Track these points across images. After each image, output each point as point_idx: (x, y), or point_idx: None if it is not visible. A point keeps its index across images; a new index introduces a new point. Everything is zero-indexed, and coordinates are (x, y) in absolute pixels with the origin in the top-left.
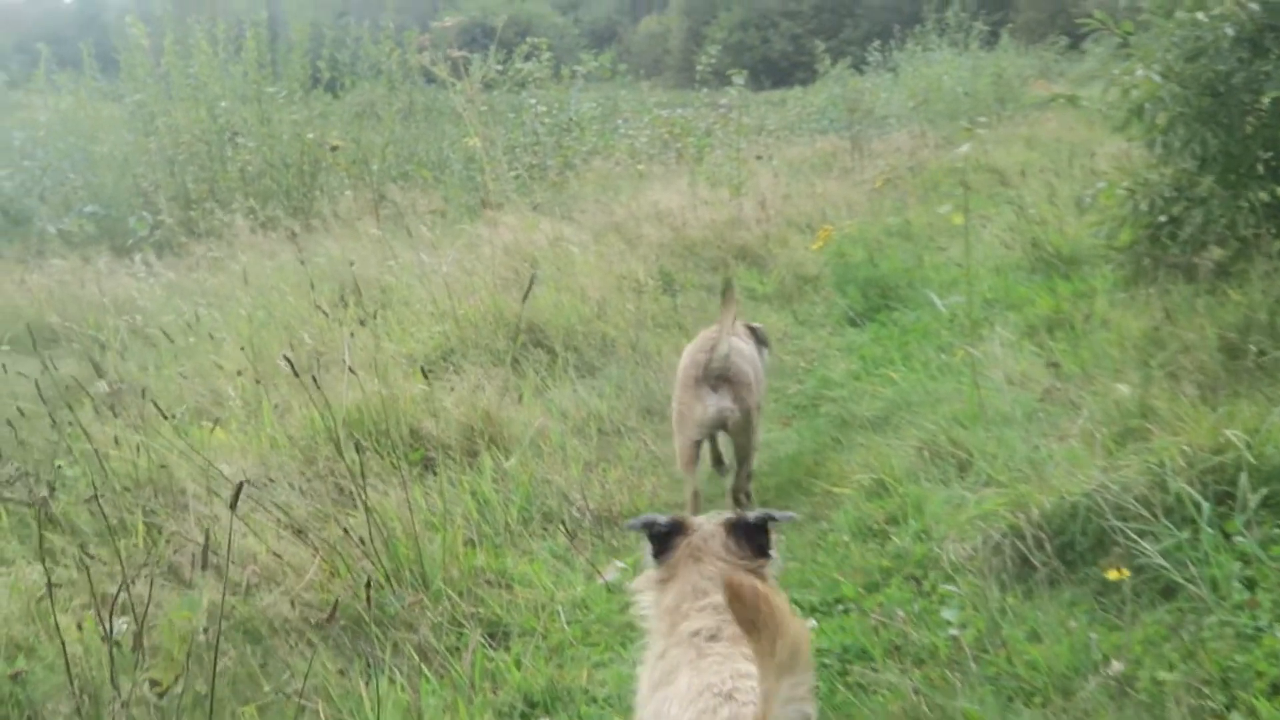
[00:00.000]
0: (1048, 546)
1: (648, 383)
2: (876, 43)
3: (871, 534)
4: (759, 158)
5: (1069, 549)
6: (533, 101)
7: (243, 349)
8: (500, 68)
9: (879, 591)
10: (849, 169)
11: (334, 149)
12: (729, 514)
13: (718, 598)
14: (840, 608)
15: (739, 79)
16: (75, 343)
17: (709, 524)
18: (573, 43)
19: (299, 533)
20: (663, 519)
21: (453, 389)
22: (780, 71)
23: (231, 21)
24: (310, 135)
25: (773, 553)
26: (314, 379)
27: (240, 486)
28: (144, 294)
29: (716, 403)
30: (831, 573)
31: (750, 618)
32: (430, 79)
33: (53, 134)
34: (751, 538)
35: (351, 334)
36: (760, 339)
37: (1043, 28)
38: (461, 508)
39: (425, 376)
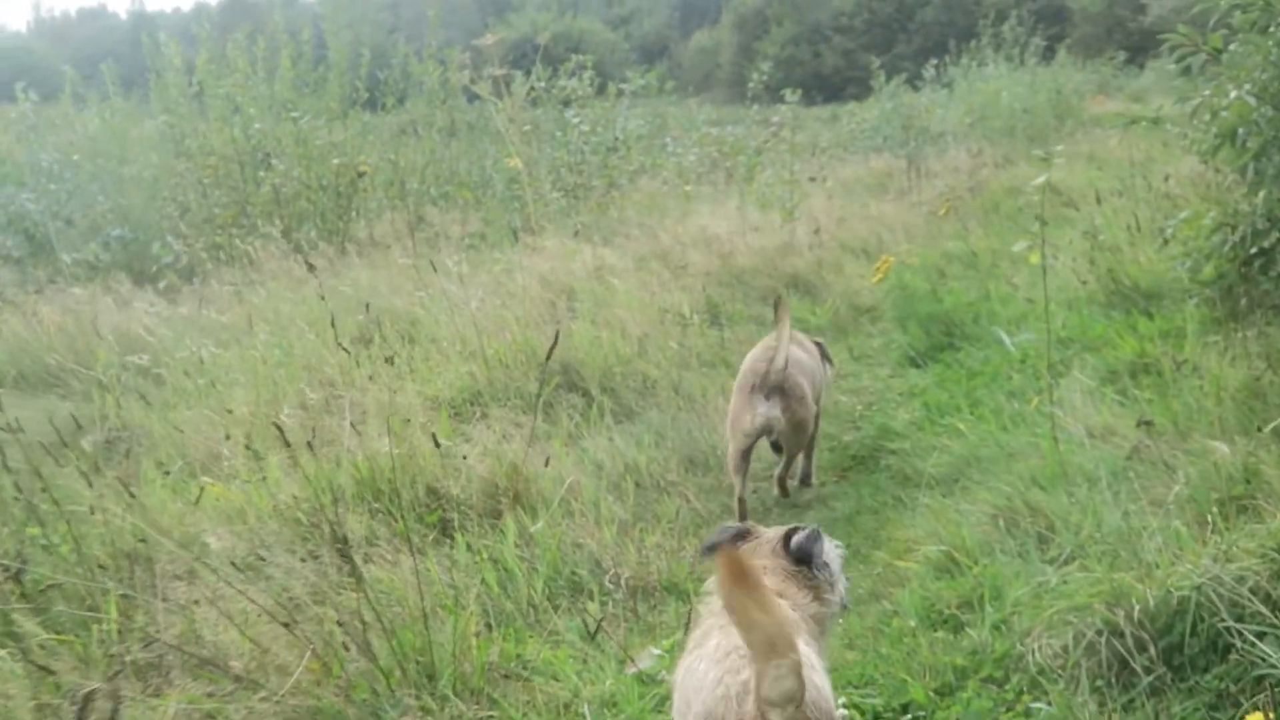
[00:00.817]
0: (1151, 649)
1: (691, 430)
2: (932, 59)
3: (942, 621)
4: (812, 179)
5: (1176, 652)
6: (577, 120)
7: (256, 392)
8: (544, 84)
9: (953, 697)
10: (905, 190)
11: (361, 174)
12: (792, 525)
13: None
14: (909, 717)
15: (792, 96)
16: (78, 382)
17: (771, 531)
18: (622, 58)
19: (289, 620)
20: (734, 526)
21: (471, 441)
22: (833, 87)
23: (270, 39)
24: (337, 160)
25: (820, 562)
26: (309, 443)
27: None
28: (157, 328)
29: (766, 412)
30: (899, 670)
31: (743, 594)
32: (472, 97)
33: (84, 155)
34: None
35: (370, 376)
36: (824, 354)
37: (1099, 42)
38: (479, 582)
39: (449, 423)
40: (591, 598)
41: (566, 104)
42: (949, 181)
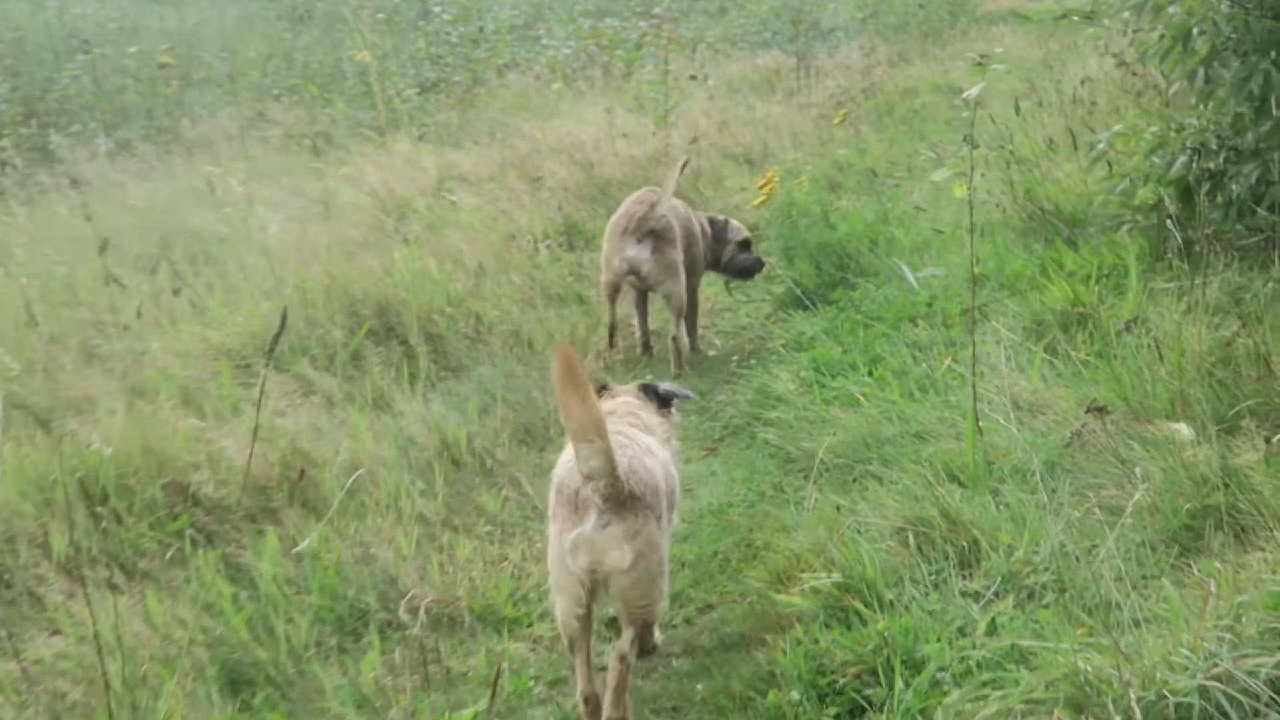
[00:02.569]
0: None
1: (530, 391)
2: None
3: (836, 694)
4: (693, 77)
5: None
6: (438, 8)
7: None
8: None
9: None
10: (794, 90)
11: (162, 66)
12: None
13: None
14: None
15: None
16: None
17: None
18: None
19: None
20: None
21: (240, 413)
22: None
23: None
24: (133, 48)
25: (675, 411)
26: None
27: None
28: None
29: (636, 253)
30: None
31: (560, 394)
32: None
33: None
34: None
35: (139, 314)
36: (719, 232)
37: None
38: (220, 625)
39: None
40: (382, 633)
41: None
42: (841, 81)
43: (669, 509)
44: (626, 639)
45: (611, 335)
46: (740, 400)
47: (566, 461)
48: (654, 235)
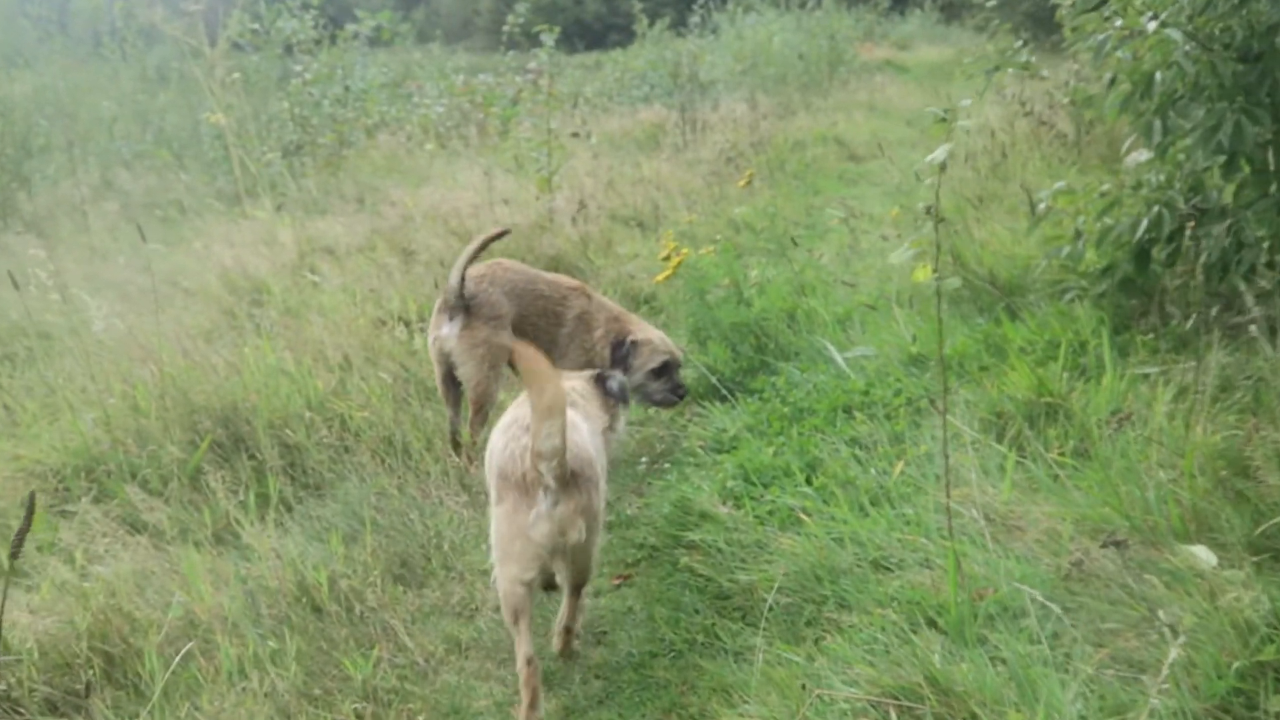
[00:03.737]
0: None
1: (406, 511)
2: (696, 3)
3: None
4: (575, 134)
5: None
6: (299, 69)
7: None
8: (256, 27)
9: None
10: (680, 146)
11: None
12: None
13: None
14: None
15: (549, 37)
16: None
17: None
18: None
19: None
20: None
21: (57, 550)
22: (594, 34)
23: None
24: None
25: (625, 400)
26: None
27: None
28: None
29: (443, 331)
30: None
31: (529, 373)
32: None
33: None
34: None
35: None
36: (619, 358)
37: None
38: None
39: (45, 516)
40: None
41: (289, 50)
42: (728, 136)
43: (603, 477)
44: (569, 611)
45: (453, 438)
46: (655, 516)
47: (504, 447)
48: (465, 312)
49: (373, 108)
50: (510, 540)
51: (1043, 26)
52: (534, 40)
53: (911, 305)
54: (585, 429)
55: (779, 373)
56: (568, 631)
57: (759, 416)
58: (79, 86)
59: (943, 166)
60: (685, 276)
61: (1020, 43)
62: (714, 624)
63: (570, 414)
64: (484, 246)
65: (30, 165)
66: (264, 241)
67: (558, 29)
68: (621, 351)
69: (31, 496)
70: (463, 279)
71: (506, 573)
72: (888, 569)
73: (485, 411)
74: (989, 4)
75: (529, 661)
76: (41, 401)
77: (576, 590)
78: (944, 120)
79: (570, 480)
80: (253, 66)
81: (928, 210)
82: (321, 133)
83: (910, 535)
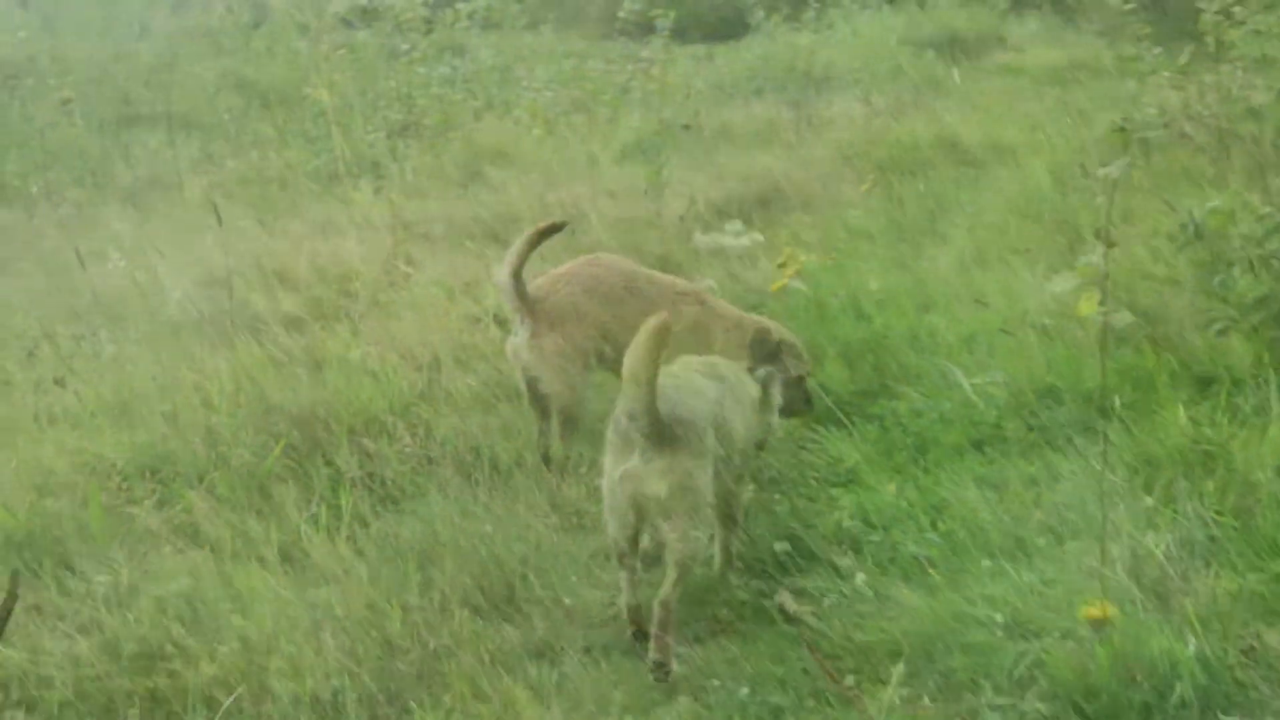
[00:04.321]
0: None
1: (491, 531)
2: None
3: None
4: (686, 126)
5: None
6: (406, 47)
7: None
8: (365, 3)
9: None
10: (793, 143)
11: (66, 102)
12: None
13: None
14: None
15: (665, 22)
16: None
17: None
18: None
19: None
20: None
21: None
22: (708, 25)
23: None
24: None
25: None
26: None
27: None
28: None
29: (515, 339)
30: None
31: (651, 340)
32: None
33: None
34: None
35: None
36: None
37: None
38: None
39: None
40: None
41: (397, 27)
42: (845, 135)
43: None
44: (669, 583)
45: (544, 454)
46: (764, 553)
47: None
48: (533, 316)
49: (480, 90)
50: (609, 492)
51: (1176, 33)
52: (647, 29)
53: (1043, 333)
54: (711, 394)
55: (900, 397)
56: (664, 606)
57: (878, 446)
58: (182, 56)
59: (1115, 184)
60: (801, 285)
61: (1159, 49)
62: (820, 687)
63: (701, 382)
64: (537, 241)
65: (130, 135)
66: (358, 225)
67: (672, 14)
68: (768, 348)
69: (14, 577)
70: (517, 277)
71: (610, 523)
72: (1024, 638)
73: (574, 422)
74: (1127, 6)
75: (630, 609)
76: (112, 387)
77: (680, 571)
78: (1123, 130)
79: (667, 440)
80: (360, 43)
81: (1097, 234)
82: (428, 114)
83: (1048, 593)
